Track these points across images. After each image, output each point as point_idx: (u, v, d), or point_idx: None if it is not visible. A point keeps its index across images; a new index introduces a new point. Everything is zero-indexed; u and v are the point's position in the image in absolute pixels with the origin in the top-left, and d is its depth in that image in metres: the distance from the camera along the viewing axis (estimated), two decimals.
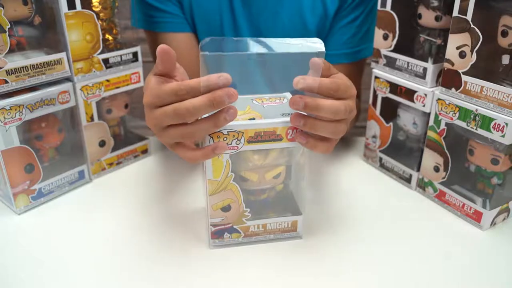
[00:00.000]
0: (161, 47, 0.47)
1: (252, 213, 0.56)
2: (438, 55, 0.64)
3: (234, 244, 0.57)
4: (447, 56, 0.62)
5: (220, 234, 0.57)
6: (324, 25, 0.81)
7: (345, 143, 0.87)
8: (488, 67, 0.59)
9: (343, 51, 0.82)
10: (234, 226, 0.56)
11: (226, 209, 0.55)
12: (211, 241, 0.57)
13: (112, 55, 0.71)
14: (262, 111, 0.53)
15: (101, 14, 0.69)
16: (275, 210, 0.58)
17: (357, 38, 0.82)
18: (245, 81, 0.51)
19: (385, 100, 0.74)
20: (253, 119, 0.51)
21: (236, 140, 0.50)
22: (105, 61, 0.70)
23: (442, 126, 0.65)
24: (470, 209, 0.63)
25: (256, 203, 0.57)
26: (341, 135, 0.50)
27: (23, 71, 0.61)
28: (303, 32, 0.81)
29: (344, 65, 0.83)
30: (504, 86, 0.56)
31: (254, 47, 0.45)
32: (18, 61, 0.60)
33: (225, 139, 0.49)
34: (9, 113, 0.60)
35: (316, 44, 0.47)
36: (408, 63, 0.68)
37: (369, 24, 0.82)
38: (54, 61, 0.64)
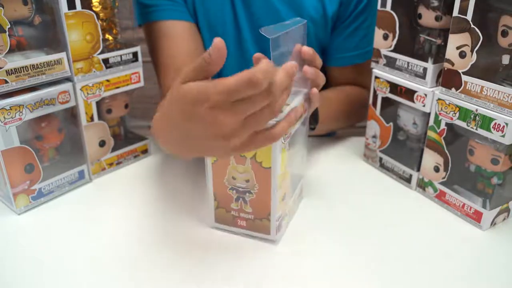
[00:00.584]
0: (219, 40, 0.39)
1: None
2: (438, 55, 0.64)
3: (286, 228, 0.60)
4: (447, 56, 0.62)
5: (280, 227, 0.58)
6: (324, 26, 0.82)
7: (345, 143, 0.87)
8: (488, 67, 0.59)
9: (357, 52, 0.85)
10: (286, 211, 0.59)
11: (284, 197, 0.56)
12: (277, 235, 0.58)
13: (112, 55, 0.71)
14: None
15: (101, 14, 0.69)
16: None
17: (368, 38, 0.84)
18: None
19: (385, 100, 0.74)
20: (287, 105, 0.52)
21: (292, 127, 0.52)
22: (105, 61, 0.70)
23: (442, 126, 0.65)
24: (470, 209, 0.63)
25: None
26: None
27: (23, 71, 0.61)
28: None
29: (358, 65, 0.86)
30: (504, 86, 0.56)
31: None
32: (18, 61, 0.60)
33: None
34: (9, 113, 0.60)
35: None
36: (408, 63, 0.68)
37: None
38: (54, 61, 0.64)
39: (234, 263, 0.55)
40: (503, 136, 0.57)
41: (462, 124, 0.61)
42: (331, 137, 0.91)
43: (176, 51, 0.79)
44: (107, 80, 0.72)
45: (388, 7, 0.69)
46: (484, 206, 0.62)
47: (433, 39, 0.65)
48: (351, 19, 0.83)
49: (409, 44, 0.68)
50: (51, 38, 0.66)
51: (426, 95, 0.66)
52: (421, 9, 0.65)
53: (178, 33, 0.80)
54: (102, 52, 0.69)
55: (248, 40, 0.85)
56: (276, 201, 0.55)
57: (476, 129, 0.60)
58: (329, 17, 0.82)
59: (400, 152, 0.74)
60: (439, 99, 0.64)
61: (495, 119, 0.57)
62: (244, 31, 0.84)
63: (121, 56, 0.72)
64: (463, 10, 0.58)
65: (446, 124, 0.64)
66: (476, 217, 0.63)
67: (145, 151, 0.82)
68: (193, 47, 0.80)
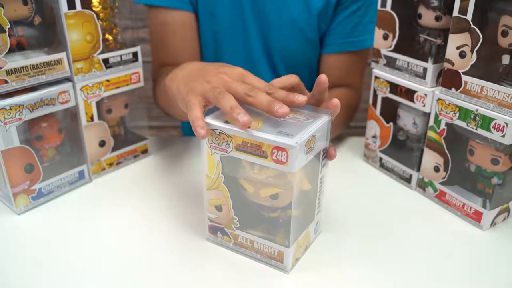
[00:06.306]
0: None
1: (259, 229, 0.54)
2: (438, 55, 0.64)
3: (225, 247, 0.58)
4: (447, 56, 0.62)
5: (215, 231, 0.58)
6: (326, 12, 0.85)
7: (345, 143, 0.87)
8: (488, 67, 0.59)
9: (349, 40, 0.87)
10: (225, 229, 0.56)
11: (218, 208, 0.55)
12: (208, 234, 0.58)
13: (112, 55, 0.71)
14: (269, 123, 0.50)
15: (101, 14, 0.69)
16: (286, 233, 0.52)
17: (361, 27, 0.86)
18: None
19: (385, 100, 0.74)
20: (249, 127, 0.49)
21: (226, 143, 0.50)
22: (105, 61, 0.70)
23: (442, 126, 0.65)
24: (470, 209, 0.63)
25: (269, 220, 0.53)
26: None
27: (23, 71, 0.61)
28: (307, 17, 0.85)
29: (348, 53, 0.88)
30: (504, 86, 0.56)
31: None
32: (18, 61, 0.60)
33: (216, 139, 0.50)
34: (9, 113, 0.60)
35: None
36: (408, 63, 0.68)
37: (371, 16, 0.86)
38: (54, 61, 0.64)
39: (232, 261, 0.56)
40: (503, 136, 0.57)
41: (462, 124, 0.61)
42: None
43: (172, 41, 0.87)
44: (107, 80, 0.72)
45: (388, 7, 0.69)
46: (484, 206, 0.62)
47: (433, 39, 0.65)
48: (345, 6, 0.85)
49: (409, 44, 0.68)
50: (51, 38, 0.66)
51: (426, 95, 0.66)
52: (421, 9, 0.65)
53: (173, 22, 0.85)
54: (102, 52, 0.69)
55: (250, 23, 0.86)
56: (205, 199, 0.55)
57: (476, 129, 0.60)
58: (333, 3, 0.85)
59: (400, 152, 0.74)
60: (439, 99, 0.64)
61: (495, 119, 0.57)
62: (247, 15, 0.85)
63: (121, 56, 0.72)
64: (463, 10, 0.58)
65: (446, 124, 0.64)
66: (476, 217, 0.63)
67: (145, 151, 0.82)
68: (188, 35, 0.86)
